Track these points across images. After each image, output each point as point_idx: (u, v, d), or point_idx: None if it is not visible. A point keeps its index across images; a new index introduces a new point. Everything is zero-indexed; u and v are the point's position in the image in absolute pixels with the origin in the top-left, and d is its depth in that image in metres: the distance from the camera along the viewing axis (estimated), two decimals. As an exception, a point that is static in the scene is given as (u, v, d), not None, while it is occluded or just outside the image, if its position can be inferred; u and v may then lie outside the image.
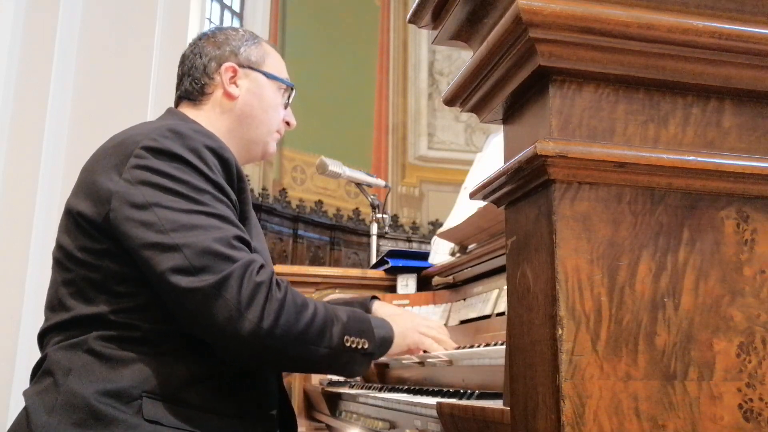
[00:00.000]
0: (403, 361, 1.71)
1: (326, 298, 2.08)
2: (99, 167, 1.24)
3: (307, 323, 1.18)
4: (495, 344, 1.37)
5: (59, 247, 1.27)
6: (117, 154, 1.23)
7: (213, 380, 1.21)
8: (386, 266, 2.27)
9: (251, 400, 1.27)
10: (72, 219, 1.25)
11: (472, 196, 0.83)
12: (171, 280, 1.11)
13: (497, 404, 0.84)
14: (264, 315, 1.13)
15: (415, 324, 1.48)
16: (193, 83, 1.49)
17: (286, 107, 1.59)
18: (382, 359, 1.66)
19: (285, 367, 1.37)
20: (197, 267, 1.11)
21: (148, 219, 1.15)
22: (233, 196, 1.26)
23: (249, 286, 1.13)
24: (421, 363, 1.62)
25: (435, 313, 2.04)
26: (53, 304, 1.26)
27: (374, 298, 1.65)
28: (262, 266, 1.17)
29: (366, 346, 1.28)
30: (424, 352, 1.51)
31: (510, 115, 0.80)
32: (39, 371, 1.21)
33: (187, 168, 1.20)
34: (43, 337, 1.26)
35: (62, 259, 1.25)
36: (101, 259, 1.20)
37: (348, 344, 1.24)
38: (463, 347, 1.50)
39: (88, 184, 1.25)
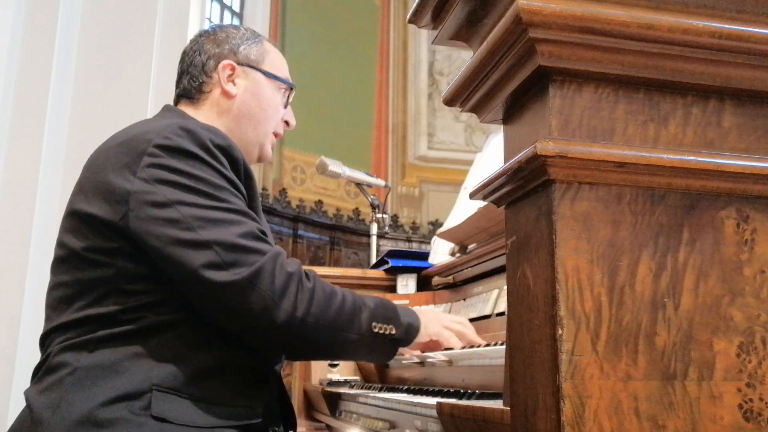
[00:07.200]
0: (403, 362, 1.70)
1: None
2: (108, 166, 1.22)
3: (336, 310, 1.23)
4: (495, 344, 1.37)
5: (63, 247, 1.25)
6: (127, 152, 1.22)
7: (221, 372, 1.21)
8: (386, 266, 2.27)
9: (257, 392, 1.27)
10: (79, 219, 1.23)
11: (472, 196, 0.83)
12: (205, 276, 1.13)
13: (497, 404, 0.84)
14: (297, 304, 1.17)
15: (440, 318, 1.50)
16: (191, 81, 1.48)
17: (285, 107, 1.58)
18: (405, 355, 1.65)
19: (317, 354, 1.40)
20: (228, 262, 1.14)
21: (172, 216, 1.15)
22: (245, 193, 1.28)
23: (281, 277, 1.17)
24: (421, 363, 1.61)
25: (435, 313, 2.04)
26: (56, 304, 1.24)
27: None
28: (288, 257, 1.22)
29: (393, 332, 1.31)
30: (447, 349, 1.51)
31: (510, 115, 0.80)
32: (41, 370, 1.20)
33: (202, 165, 1.20)
34: (46, 338, 1.25)
35: (67, 259, 1.23)
36: (113, 258, 1.19)
37: (376, 330, 1.28)
38: (463, 347, 1.50)
39: (96, 184, 1.23)
